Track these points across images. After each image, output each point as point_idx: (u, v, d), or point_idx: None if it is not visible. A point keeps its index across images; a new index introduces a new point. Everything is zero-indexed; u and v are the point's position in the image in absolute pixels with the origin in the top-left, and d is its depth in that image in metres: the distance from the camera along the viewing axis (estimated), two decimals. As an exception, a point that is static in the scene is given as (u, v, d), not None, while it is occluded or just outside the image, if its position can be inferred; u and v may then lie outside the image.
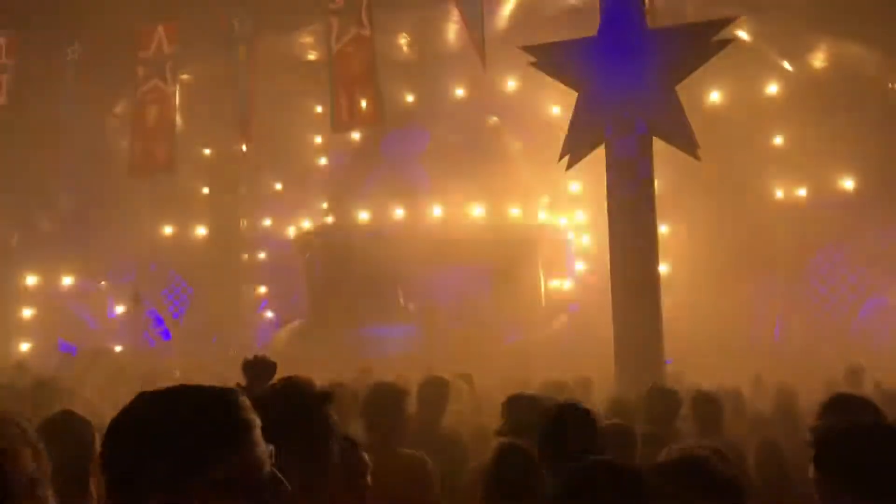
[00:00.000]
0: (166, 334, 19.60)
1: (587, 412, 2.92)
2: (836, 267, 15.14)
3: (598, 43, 10.89)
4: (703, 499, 1.79)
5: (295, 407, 1.69)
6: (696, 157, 11.06)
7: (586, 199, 16.89)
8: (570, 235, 17.02)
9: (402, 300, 16.70)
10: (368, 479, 2.37)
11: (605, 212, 10.75)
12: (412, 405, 4.08)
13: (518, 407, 3.51)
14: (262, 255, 20.03)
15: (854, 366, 7.31)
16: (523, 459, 2.72)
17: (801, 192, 15.50)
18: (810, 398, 6.11)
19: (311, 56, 13.66)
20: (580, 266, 17.25)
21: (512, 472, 2.69)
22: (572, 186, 17.39)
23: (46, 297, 17.27)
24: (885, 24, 12.36)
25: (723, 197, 15.41)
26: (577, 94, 11.19)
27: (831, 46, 14.15)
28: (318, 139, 19.64)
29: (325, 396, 1.80)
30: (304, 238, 17.07)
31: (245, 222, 19.81)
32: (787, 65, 15.39)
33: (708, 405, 4.44)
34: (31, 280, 17.18)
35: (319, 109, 16.22)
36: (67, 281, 17.68)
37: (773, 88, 15.75)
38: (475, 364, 9.21)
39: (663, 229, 15.47)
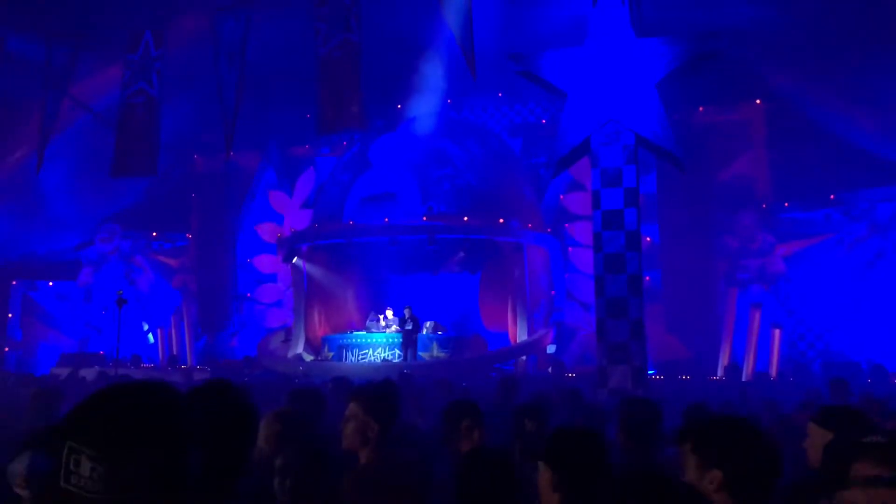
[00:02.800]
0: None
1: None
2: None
3: (584, 53, 10.98)
4: None
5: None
6: (681, 168, 11.15)
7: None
8: (558, 245, 17.07)
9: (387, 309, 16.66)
10: None
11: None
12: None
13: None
14: (249, 260, 20.02)
15: (837, 379, 7.40)
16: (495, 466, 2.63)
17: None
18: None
19: (299, 61, 13.64)
20: (568, 276, 17.30)
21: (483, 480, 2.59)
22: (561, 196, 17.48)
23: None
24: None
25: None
26: (563, 103, 11.31)
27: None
28: (307, 145, 19.69)
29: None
30: (291, 243, 17.03)
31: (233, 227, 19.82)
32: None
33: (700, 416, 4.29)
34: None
35: (308, 116, 16.22)
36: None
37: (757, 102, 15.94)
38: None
39: (651, 237, 15.66)
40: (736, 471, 1.94)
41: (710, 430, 2.08)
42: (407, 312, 15.02)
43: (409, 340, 14.96)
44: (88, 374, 12.65)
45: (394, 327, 15.94)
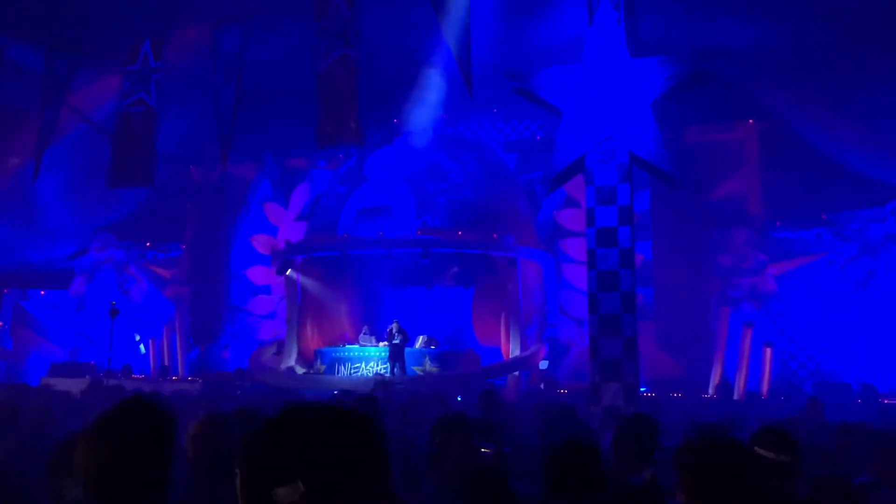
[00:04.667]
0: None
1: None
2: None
3: (580, 71, 11.08)
4: None
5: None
6: (676, 187, 11.24)
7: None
8: (552, 261, 17.11)
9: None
10: None
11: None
12: None
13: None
14: (243, 271, 19.99)
15: (814, 399, 7.51)
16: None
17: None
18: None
19: (297, 73, 13.74)
20: (561, 292, 17.33)
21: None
22: (556, 212, 17.55)
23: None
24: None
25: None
26: (559, 120, 11.40)
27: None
28: (303, 157, 19.74)
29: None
30: (286, 255, 17.02)
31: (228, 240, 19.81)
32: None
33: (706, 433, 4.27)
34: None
35: (304, 129, 16.28)
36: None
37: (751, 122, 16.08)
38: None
39: (644, 254, 15.71)
40: (694, 493, 1.86)
41: (676, 453, 2.03)
42: (394, 326, 14.93)
43: (396, 355, 14.88)
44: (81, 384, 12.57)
45: (381, 343, 15.85)
